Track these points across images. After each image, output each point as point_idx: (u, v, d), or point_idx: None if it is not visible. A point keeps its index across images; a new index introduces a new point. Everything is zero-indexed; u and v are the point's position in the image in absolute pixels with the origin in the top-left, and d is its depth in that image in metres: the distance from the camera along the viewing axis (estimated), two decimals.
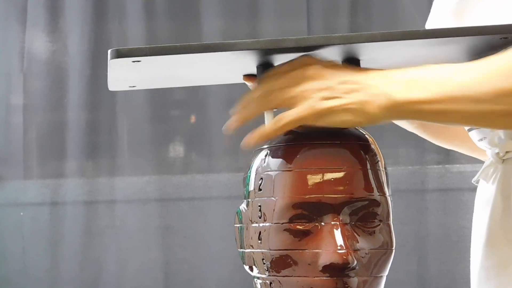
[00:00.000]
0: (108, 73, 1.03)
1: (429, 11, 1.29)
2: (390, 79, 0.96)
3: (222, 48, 0.96)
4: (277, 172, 1.00)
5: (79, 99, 2.61)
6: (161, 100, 2.63)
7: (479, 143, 1.18)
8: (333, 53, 1.01)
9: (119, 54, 0.96)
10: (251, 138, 0.98)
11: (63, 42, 2.63)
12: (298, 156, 1.00)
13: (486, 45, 1.03)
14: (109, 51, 0.96)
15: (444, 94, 0.94)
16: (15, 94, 2.65)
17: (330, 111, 0.95)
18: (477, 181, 1.22)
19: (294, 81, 0.96)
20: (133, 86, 1.13)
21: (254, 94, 1.00)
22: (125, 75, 1.05)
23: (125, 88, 1.14)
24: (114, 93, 2.61)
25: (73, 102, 2.61)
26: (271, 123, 0.97)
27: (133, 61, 0.97)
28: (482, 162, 1.34)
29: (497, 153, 1.14)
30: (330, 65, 0.97)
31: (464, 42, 1.02)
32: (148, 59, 0.97)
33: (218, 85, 2.57)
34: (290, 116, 0.96)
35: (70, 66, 2.62)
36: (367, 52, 1.01)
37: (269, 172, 1.01)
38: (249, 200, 1.04)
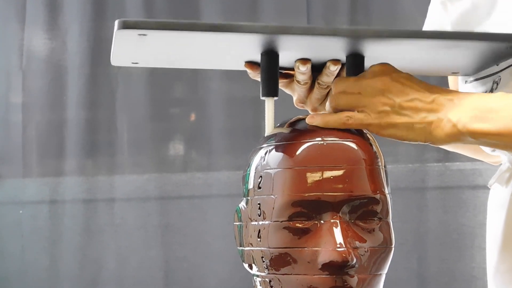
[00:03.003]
0: (112, 46, 1.03)
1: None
2: (458, 104, 0.99)
3: (229, 29, 0.97)
4: (277, 170, 1.00)
5: (78, 97, 2.61)
6: (161, 98, 2.63)
7: (492, 152, 1.17)
8: (338, 47, 1.01)
9: (125, 25, 0.95)
10: (313, 118, 1.02)
11: (62, 40, 2.63)
12: (297, 154, 0.99)
13: (492, 53, 1.03)
14: (116, 22, 0.95)
15: (510, 129, 0.97)
16: (14, 92, 2.65)
17: (394, 126, 1.00)
18: (491, 185, 1.22)
19: (367, 89, 1.00)
20: (136, 63, 1.12)
21: (333, 90, 1.03)
22: (129, 49, 1.05)
23: (128, 64, 1.13)
24: (113, 91, 2.61)
25: (73, 100, 2.61)
26: (338, 116, 1.00)
27: (139, 34, 0.97)
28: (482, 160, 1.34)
29: None
30: (404, 79, 1.01)
31: (470, 48, 1.02)
32: (154, 33, 0.97)
33: (218, 83, 2.59)
34: (358, 119, 1.00)
35: (69, 64, 2.62)
36: (372, 49, 1.01)
37: (268, 170, 1.01)
38: (249, 198, 1.04)
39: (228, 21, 2.58)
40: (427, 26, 1.26)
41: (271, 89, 1.05)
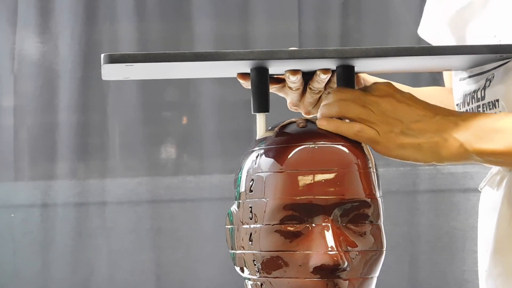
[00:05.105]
0: (101, 67, 1.03)
1: (420, 13, 1.29)
2: (463, 124, 1.00)
3: (216, 58, 0.97)
4: (268, 173, 1.00)
5: (70, 100, 2.60)
6: (153, 102, 2.63)
7: None
8: (327, 63, 1.01)
9: (112, 60, 0.96)
10: (323, 122, 1.01)
11: (54, 43, 2.62)
12: (289, 158, 0.99)
13: (482, 59, 1.04)
14: (102, 56, 0.95)
15: None
16: (6, 96, 2.65)
17: (402, 146, 1.00)
18: (481, 188, 1.22)
19: (374, 106, 1.00)
20: (127, 77, 1.13)
21: (335, 97, 1.02)
22: (119, 71, 1.05)
23: (119, 78, 1.13)
24: (105, 94, 2.60)
25: (64, 104, 2.61)
26: (350, 126, 1.00)
27: (126, 65, 0.97)
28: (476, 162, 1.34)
29: None
30: (408, 99, 1.01)
31: (459, 57, 1.02)
32: (140, 64, 0.97)
33: (210, 86, 2.59)
34: (368, 134, 1.00)
35: (61, 67, 2.61)
36: (361, 63, 1.02)
37: (260, 174, 1.01)
38: (240, 201, 1.04)
39: (219, 26, 2.60)
40: (423, 23, 1.27)
41: (261, 105, 1.05)
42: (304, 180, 0.98)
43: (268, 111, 1.05)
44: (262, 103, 1.05)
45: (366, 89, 1.02)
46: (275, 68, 1.03)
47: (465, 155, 1.00)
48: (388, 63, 1.05)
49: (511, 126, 0.99)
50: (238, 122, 2.59)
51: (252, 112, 1.05)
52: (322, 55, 0.97)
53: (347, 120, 1.01)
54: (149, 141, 2.62)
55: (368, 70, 1.08)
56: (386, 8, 2.58)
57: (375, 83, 1.03)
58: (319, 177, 0.98)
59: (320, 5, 2.60)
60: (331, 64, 1.03)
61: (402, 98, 1.01)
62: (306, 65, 1.02)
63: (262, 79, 1.04)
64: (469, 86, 1.15)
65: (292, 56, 0.97)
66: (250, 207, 1.01)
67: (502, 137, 0.99)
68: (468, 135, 0.99)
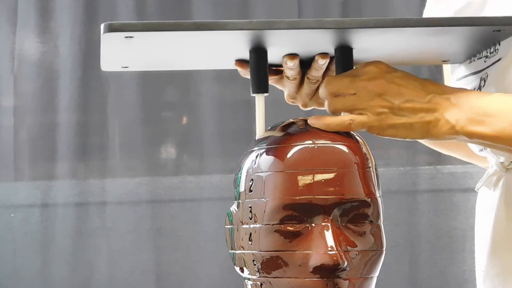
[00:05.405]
0: (100, 51, 1.03)
1: (420, 13, 1.29)
2: (455, 104, 1.01)
3: (215, 27, 0.97)
4: (268, 173, 1.00)
5: (70, 100, 2.60)
6: (153, 102, 2.63)
7: (480, 153, 1.18)
8: (326, 40, 1.01)
9: (112, 29, 0.95)
10: (314, 120, 1.02)
11: (54, 43, 2.62)
12: (288, 157, 0.99)
13: (479, 37, 1.04)
14: (102, 25, 0.95)
15: (506, 133, 1.00)
16: (6, 96, 2.65)
17: (394, 127, 1.01)
18: (478, 188, 1.22)
19: (363, 91, 1.01)
20: (126, 67, 1.13)
21: (326, 91, 1.03)
22: (118, 53, 1.05)
23: (118, 68, 1.13)
24: (105, 94, 2.60)
25: (64, 104, 2.61)
26: (340, 119, 1.01)
27: (126, 37, 0.97)
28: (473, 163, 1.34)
29: (502, 162, 1.14)
30: (398, 79, 1.02)
31: (457, 33, 1.02)
32: (140, 35, 0.97)
33: (210, 86, 2.59)
34: (360, 122, 1.01)
35: (61, 67, 2.61)
36: (360, 40, 1.02)
37: (259, 173, 1.01)
38: (240, 201, 1.04)
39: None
40: None
41: (261, 85, 1.05)
42: (304, 180, 0.98)
43: (267, 92, 1.06)
44: (262, 83, 1.05)
45: (356, 73, 1.03)
46: (274, 49, 1.03)
47: (455, 135, 1.01)
48: (387, 47, 1.05)
49: (502, 110, 1.00)
50: (238, 122, 2.59)
51: (252, 94, 1.06)
52: (320, 25, 0.97)
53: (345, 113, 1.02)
54: (149, 141, 2.62)
55: (366, 55, 1.08)
56: (386, 8, 2.58)
57: (365, 64, 1.03)
58: (319, 177, 0.98)
59: (320, 5, 2.60)
60: (330, 46, 1.03)
61: (392, 77, 1.02)
62: (305, 46, 1.02)
63: (261, 60, 1.05)
64: (466, 86, 1.15)
65: (290, 26, 0.97)
66: (250, 207, 1.01)
67: (494, 121, 0.99)
68: (459, 117, 1.00)
